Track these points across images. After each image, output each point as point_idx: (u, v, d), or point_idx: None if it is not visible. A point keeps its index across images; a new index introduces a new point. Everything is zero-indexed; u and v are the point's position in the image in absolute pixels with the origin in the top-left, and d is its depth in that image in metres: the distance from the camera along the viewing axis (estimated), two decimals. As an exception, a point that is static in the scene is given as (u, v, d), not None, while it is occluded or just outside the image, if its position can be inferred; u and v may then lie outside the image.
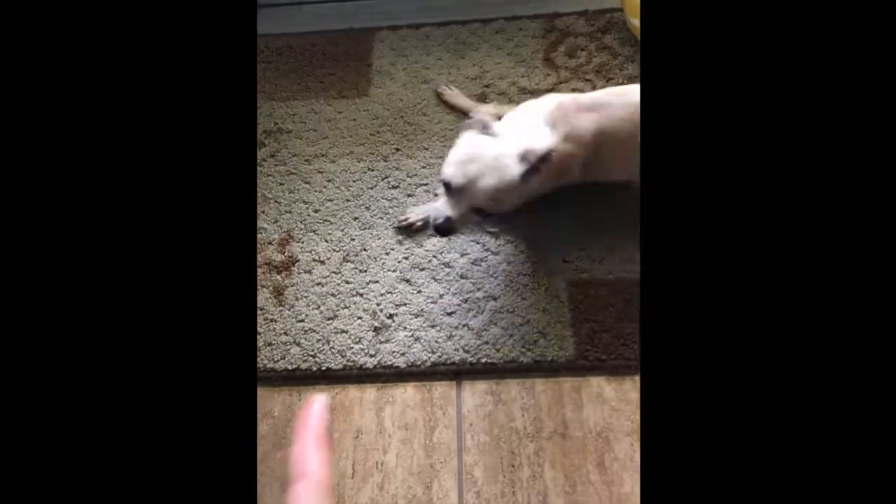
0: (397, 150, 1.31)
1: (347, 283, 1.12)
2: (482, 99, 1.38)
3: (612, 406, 0.93)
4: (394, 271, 1.12)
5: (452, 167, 0.79)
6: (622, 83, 1.36)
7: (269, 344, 1.07)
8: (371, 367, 1.01)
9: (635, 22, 1.39)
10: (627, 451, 0.89)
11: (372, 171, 1.28)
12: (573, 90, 1.36)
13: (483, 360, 0.99)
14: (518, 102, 1.36)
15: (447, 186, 0.80)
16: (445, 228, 0.79)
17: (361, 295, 1.10)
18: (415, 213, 1.16)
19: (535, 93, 1.37)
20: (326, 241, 1.18)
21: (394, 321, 1.06)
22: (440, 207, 0.81)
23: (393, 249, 1.15)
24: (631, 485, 0.86)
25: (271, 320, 1.09)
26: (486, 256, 1.12)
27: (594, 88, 1.36)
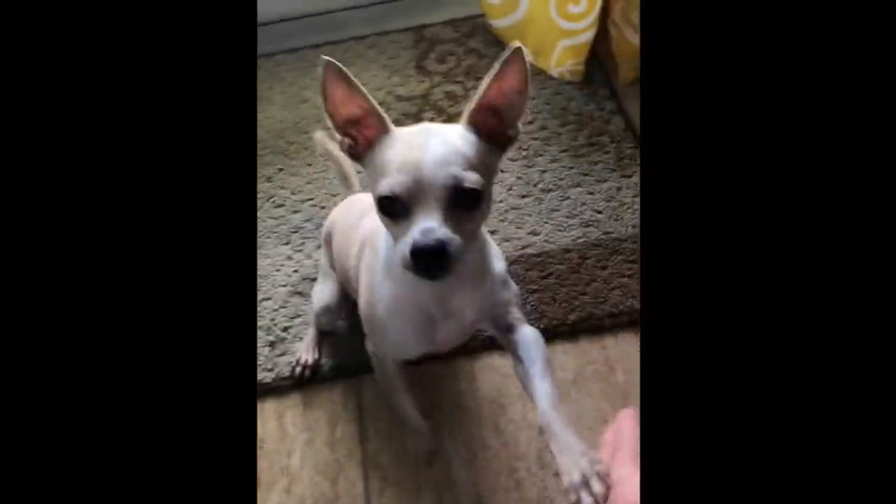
0: (280, 169, 1.41)
1: (241, 304, 1.19)
2: (360, 111, 1.51)
3: (503, 373, 1.05)
4: (285, 286, 1.21)
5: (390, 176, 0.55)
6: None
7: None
8: (269, 381, 1.09)
9: (496, 24, 1.59)
10: (521, 412, 1.01)
11: (257, 193, 1.37)
12: (446, 93, 1.53)
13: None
14: (396, 110, 1.51)
15: (391, 205, 0.55)
16: (438, 254, 0.53)
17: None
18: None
19: (411, 99, 1.53)
20: (216, 267, 1.25)
21: (289, 333, 1.14)
22: (409, 238, 0.54)
23: (283, 266, 1.24)
24: (526, 443, 0.98)
25: (165, 354, 1.14)
26: (375, 257, 1.23)
27: (465, 90, 1.53)
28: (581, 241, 1.19)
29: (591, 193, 1.27)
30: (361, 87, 0.58)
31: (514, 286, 0.75)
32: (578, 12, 1.35)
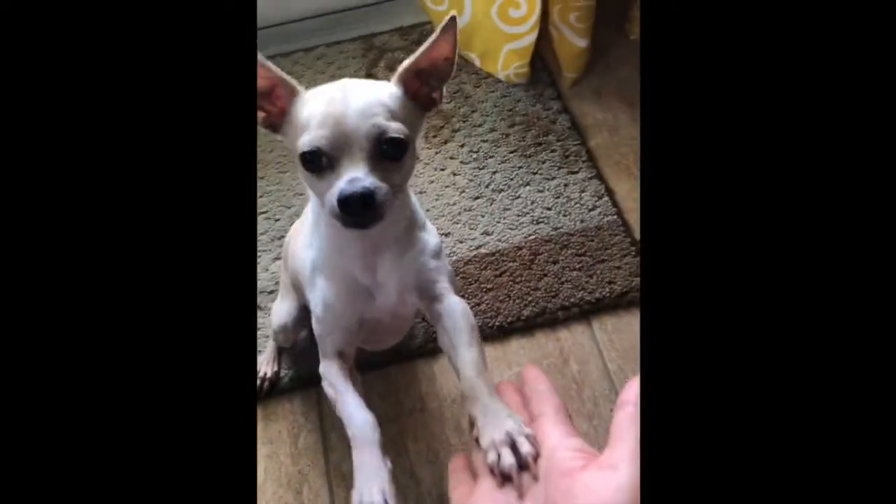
0: (233, 184, 1.41)
1: (197, 321, 1.19)
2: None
3: (462, 373, 1.07)
4: (242, 299, 1.21)
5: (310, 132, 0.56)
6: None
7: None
8: (230, 395, 1.08)
9: (442, 30, 1.62)
10: (480, 409, 1.03)
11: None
12: (397, 100, 1.55)
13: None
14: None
15: (315, 160, 0.56)
16: (366, 201, 0.54)
17: (213, 330, 1.17)
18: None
19: (362, 108, 1.55)
20: (170, 285, 1.24)
21: (248, 347, 1.14)
22: (336, 189, 0.55)
23: (239, 279, 1.24)
24: (488, 439, 1.00)
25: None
26: (331, 266, 1.24)
27: (415, 95, 1.55)
28: (532, 237, 1.23)
29: (540, 191, 1.31)
30: (265, 59, 0.58)
31: (446, 261, 0.74)
32: (519, 16, 1.39)
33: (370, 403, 0.84)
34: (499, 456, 0.45)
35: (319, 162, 0.56)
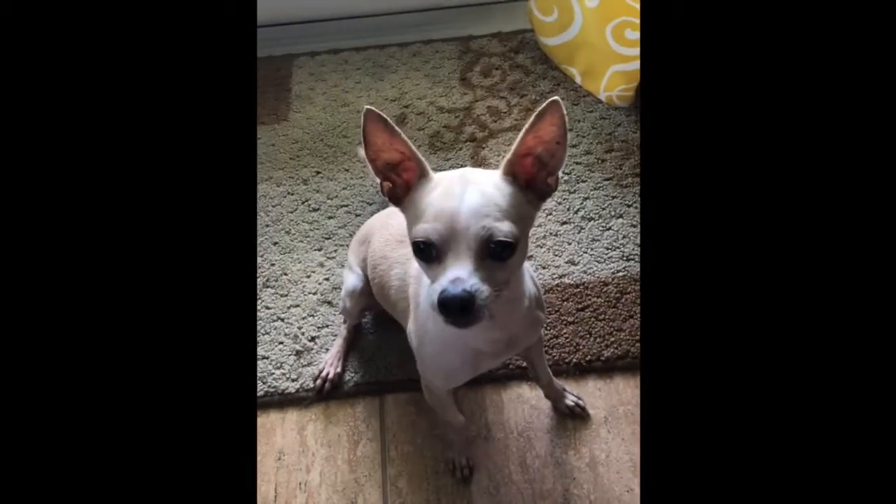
0: (318, 173, 1.42)
1: (268, 308, 1.20)
2: (400, 120, 1.51)
3: (532, 405, 1.04)
4: (315, 294, 1.21)
5: (426, 222, 0.58)
6: (535, 99, 1.53)
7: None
8: (293, 391, 1.09)
9: (545, 41, 1.59)
10: (547, 448, 1.00)
11: (292, 195, 1.38)
12: (489, 108, 1.53)
13: (406, 378, 1.07)
14: (437, 122, 1.51)
15: (426, 249, 0.58)
16: (465, 305, 0.55)
17: (282, 319, 1.18)
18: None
19: (453, 111, 1.53)
20: (245, 267, 1.26)
21: (316, 343, 1.15)
22: (439, 286, 0.56)
23: (314, 272, 1.25)
24: (552, 481, 0.97)
25: (189, 352, 1.15)
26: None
27: (509, 105, 1.53)
28: (620, 274, 1.19)
29: (633, 226, 1.26)
30: (401, 132, 0.61)
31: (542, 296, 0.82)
32: (635, 38, 1.34)
33: (433, 422, 0.92)
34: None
35: (430, 252, 0.58)
